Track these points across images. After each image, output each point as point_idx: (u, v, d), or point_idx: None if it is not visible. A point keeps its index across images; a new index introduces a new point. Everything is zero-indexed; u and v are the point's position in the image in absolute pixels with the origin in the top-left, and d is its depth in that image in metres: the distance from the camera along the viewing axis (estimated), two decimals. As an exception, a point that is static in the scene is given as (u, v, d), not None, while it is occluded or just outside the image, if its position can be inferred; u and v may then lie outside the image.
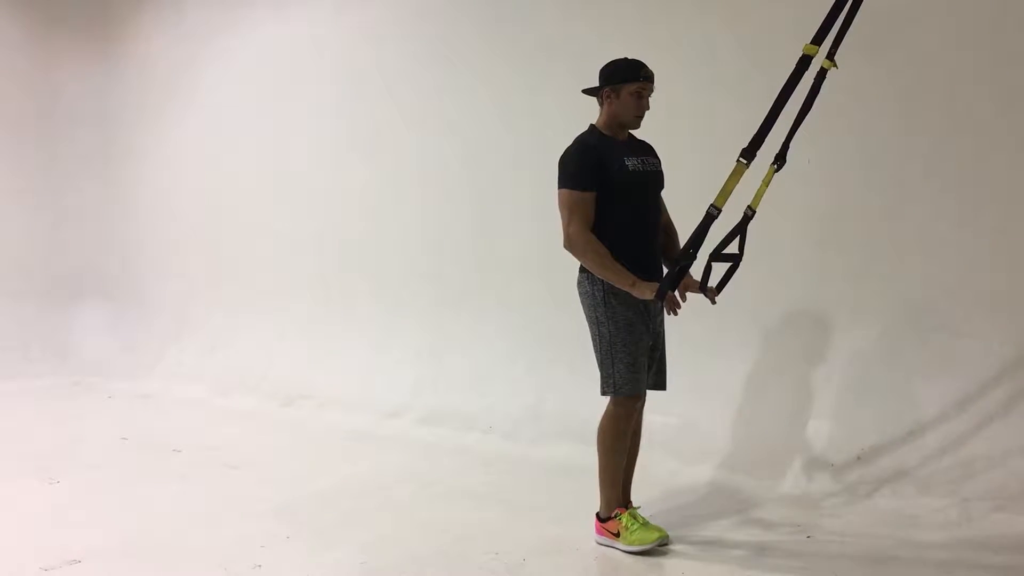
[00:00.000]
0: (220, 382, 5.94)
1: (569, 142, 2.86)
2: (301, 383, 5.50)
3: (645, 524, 2.81)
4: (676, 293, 2.64)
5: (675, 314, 2.65)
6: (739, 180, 2.49)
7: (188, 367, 6.33)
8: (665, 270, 2.82)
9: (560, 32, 4.52)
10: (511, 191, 4.75)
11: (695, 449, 3.77)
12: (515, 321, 4.65)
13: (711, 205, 2.52)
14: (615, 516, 2.83)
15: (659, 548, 2.77)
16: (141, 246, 7.06)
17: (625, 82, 2.79)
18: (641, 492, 3.00)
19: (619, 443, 2.82)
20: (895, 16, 3.54)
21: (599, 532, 2.88)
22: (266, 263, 6.08)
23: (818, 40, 2.46)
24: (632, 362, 2.75)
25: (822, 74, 2.62)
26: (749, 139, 2.50)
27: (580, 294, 2.87)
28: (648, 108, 2.84)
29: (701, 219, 2.52)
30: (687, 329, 3.25)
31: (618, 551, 2.79)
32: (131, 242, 7.14)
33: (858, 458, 3.41)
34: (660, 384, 2.94)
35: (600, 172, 2.75)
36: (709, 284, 2.71)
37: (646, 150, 2.93)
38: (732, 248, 2.65)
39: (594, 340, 2.83)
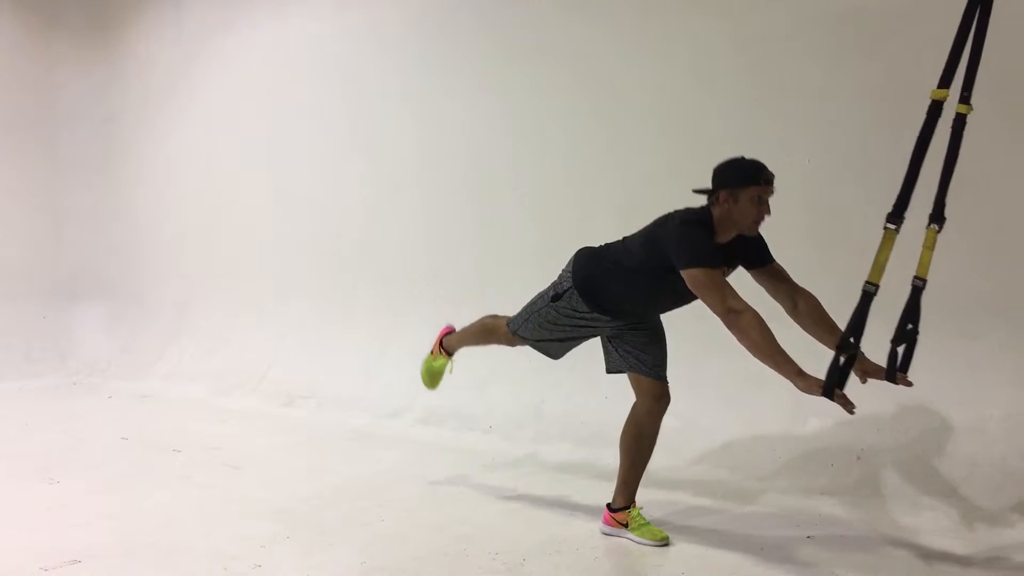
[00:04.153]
0: (220, 382, 5.94)
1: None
2: (301, 383, 5.50)
3: (647, 525, 2.88)
4: (855, 377, 2.43)
5: (851, 412, 2.37)
6: (891, 249, 2.29)
7: (188, 367, 6.33)
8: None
9: (560, 32, 4.52)
10: (511, 191, 4.74)
11: (695, 449, 3.77)
12: (515, 321, 4.65)
13: (866, 282, 2.30)
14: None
15: (659, 549, 2.79)
16: (141, 246, 7.06)
17: (745, 186, 2.57)
18: (641, 492, 3.00)
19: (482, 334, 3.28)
20: (895, 15, 3.54)
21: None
22: (266, 263, 6.08)
23: (945, 83, 2.25)
24: (538, 338, 3.04)
25: (960, 120, 2.32)
26: (893, 202, 2.31)
27: (560, 277, 2.95)
28: (769, 213, 2.62)
29: (858, 302, 2.31)
30: (687, 328, 3.25)
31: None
32: (131, 242, 7.13)
33: (858, 458, 3.42)
34: (658, 375, 2.93)
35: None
36: (897, 369, 2.43)
37: (735, 258, 2.72)
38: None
39: (535, 299, 3.03)
